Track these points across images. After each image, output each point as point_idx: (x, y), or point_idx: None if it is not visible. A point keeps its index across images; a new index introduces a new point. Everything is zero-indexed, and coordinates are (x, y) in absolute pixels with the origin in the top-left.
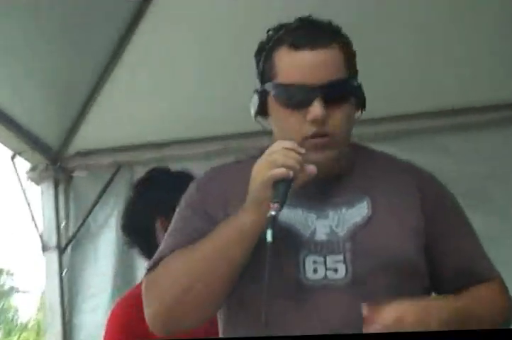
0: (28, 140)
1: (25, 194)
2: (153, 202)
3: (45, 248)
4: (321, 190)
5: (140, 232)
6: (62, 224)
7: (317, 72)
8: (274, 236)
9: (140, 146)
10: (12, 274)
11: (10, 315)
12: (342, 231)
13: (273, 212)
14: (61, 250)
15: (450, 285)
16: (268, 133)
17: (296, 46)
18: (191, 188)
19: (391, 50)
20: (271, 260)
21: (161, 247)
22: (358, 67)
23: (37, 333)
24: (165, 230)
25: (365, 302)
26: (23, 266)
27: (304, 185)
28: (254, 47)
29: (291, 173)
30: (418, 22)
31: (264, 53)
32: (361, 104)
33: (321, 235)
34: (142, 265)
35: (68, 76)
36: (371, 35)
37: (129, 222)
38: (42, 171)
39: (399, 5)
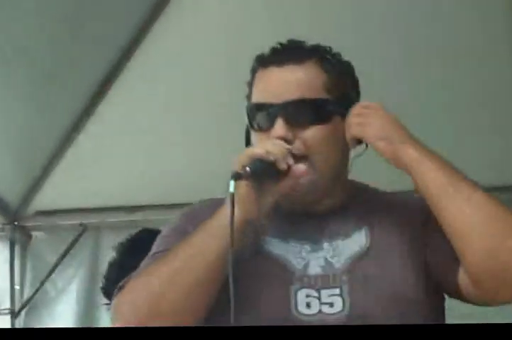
0: None
1: None
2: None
3: None
4: (315, 221)
5: None
6: (17, 287)
7: (282, 90)
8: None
9: (109, 208)
10: None
11: None
12: (338, 263)
13: (239, 171)
14: (14, 315)
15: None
16: None
17: (265, 63)
18: (176, 216)
19: None
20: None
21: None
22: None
23: None
24: None
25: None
26: None
27: (292, 196)
28: (231, 111)
29: (272, 157)
30: None
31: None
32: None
33: (315, 268)
34: None
35: (32, 134)
36: None
37: (112, 284)
38: None
39: None
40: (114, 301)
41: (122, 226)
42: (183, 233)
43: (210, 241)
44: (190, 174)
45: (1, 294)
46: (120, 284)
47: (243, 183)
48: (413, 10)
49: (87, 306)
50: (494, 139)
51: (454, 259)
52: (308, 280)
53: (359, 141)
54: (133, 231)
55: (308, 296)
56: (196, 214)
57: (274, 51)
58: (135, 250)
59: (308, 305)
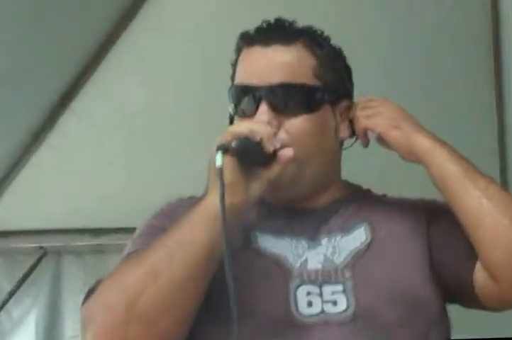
0: None
1: None
2: None
3: None
4: (311, 217)
5: None
6: None
7: (267, 71)
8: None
9: (71, 231)
10: None
11: None
12: (338, 259)
13: (225, 143)
14: None
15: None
16: None
17: (249, 42)
18: (153, 214)
19: None
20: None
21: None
22: None
23: None
24: None
25: (370, 339)
26: None
27: (278, 184)
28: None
29: (258, 136)
30: None
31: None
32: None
33: (315, 264)
34: None
35: None
36: None
37: None
38: None
39: None
40: (83, 308)
41: (86, 250)
42: (161, 230)
43: (195, 231)
44: (159, 196)
45: None
46: (89, 288)
47: (229, 159)
48: (394, 44)
49: None
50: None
51: (467, 257)
52: (307, 275)
53: (350, 134)
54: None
55: (309, 293)
56: (174, 209)
57: (260, 30)
58: None
59: (309, 304)
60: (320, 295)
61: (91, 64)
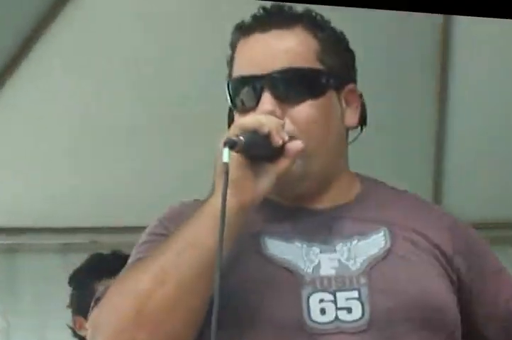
0: None
1: None
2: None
3: None
4: (322, 218)
5: None
6: None
7: (267, 58)
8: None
9: (28, 229)
10: None
11: None
12: (354, 265)
13: (233, 138)
14: None
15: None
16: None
17: (246, 31)
18: (152, 222)
19: None
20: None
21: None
22: None
23: None
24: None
25: None
26: None
27: (287, 179)
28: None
29: (266, 129)
30: None
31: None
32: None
33: (328, 269)
34: None
35: None
36: None
37: None
38: None
39: None
40: (91, 316)
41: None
42: (165, 235)
43: (203, 232)
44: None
45: None
46: (97, 295)
47: (236, 156)
48: None
49: None
50: None
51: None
52: (320, 282)
53: (359, 122)
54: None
55: (321, 301)
56: (178, 213)
57: (256, 17)
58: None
59: (322, 311)
60: (334, 301)
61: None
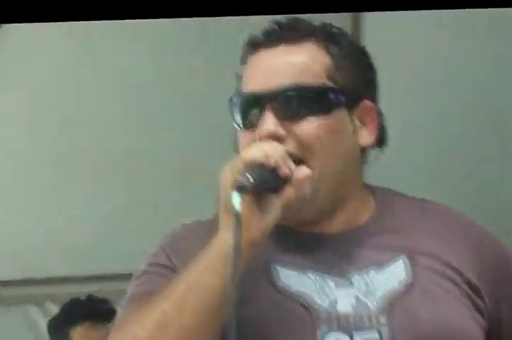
0: None
1: None
2: None
3: None
4: (334, 245)
5: None
6: None
7: (271, 75)
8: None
9: None
10: None
11: None
12: (372, 302)
13: (240, 179)
14: None
15: None
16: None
17: (255, 48)
18: (155, 248)
19: None
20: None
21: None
22: None
23: None
24: None
25: None
26: None
27: (292, 207)
28: None
29: (272, 161)
30: None
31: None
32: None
33: (345, 306)
34: None
35: None
36: None
37: None
38: None
39: None
40: None
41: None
42: (167, 267)
43: (209, 276)
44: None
45: None
46: None
47: (246, 198)
48: None
49: None
50: None
51: None
52: (337, 320)
53: (375, 141)
54: None
55: None
56: (180, 239)
57: (266, 31)
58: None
59: None
60: None
61: None
